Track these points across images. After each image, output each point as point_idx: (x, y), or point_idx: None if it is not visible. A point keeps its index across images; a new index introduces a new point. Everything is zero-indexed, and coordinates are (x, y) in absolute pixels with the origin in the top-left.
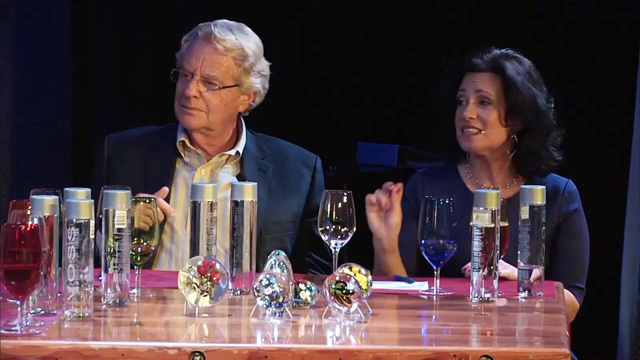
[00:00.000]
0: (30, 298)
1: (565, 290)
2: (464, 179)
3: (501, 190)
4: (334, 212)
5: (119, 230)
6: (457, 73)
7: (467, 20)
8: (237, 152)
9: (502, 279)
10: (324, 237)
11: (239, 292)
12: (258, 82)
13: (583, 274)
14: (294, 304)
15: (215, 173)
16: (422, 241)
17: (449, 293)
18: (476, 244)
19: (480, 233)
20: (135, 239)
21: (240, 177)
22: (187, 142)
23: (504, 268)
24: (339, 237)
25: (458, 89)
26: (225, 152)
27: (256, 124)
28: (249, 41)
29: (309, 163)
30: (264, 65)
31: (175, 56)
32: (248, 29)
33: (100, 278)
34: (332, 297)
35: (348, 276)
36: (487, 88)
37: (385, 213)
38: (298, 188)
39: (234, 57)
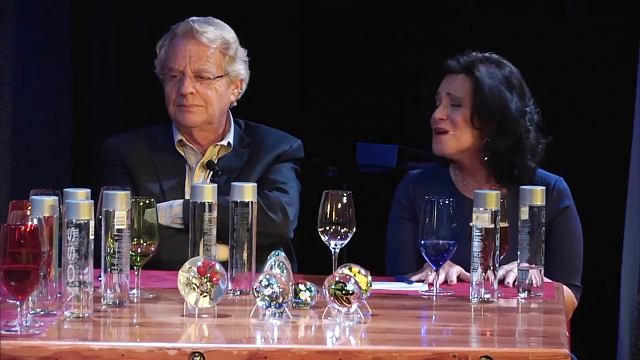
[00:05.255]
0: (30, 299)
1: (564, 287)
2: (455, 182)
3: None
4: (333, 213)
5: (119, 230)
6: (436, 76)
7: (467, 21)
8: (229, 143)
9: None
10: (324, 238)
11: (238, 292)
12: (242, 68)
13: (578, 271)
14: (294, 305)
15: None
16: (422, 242)
17: (449, 293)
18: (476, 245)
19: (480, 233)
20: (135, 239)
21: (210, 164)
22: (184, 140)
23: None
24: (338, 237)
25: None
26: (217, 143)
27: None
28: (226, 30)
29: (285, 143)
30: (243, 52)
31: (155, 64)
32: (219, 20)
33: (100, 278)
34: (332, 298)
35: (348, 277)
36: (458, 89)
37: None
38: (266, 159)
39: (218, 47)
